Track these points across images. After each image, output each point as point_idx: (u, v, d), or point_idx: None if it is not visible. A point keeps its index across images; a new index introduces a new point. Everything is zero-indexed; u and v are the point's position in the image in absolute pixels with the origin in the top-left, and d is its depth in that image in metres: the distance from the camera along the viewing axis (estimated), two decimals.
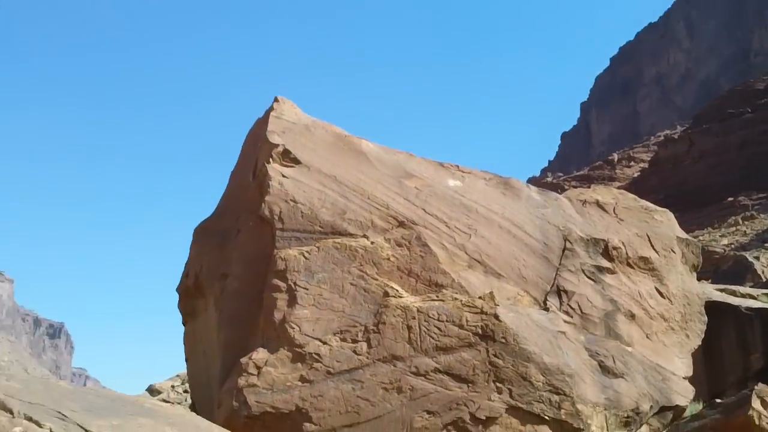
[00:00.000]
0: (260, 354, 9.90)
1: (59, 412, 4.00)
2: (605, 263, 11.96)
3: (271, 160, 10.84)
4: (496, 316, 9.80)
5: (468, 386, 9.61)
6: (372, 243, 10.34)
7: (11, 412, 3.81)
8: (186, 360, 14.81)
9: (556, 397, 9.79)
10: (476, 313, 9.82)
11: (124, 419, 4.35)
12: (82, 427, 3.90)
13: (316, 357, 9.76)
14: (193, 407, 13.14)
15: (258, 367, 9.85)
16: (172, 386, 24.54)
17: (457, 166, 12.17)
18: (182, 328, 14.45)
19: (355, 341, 9.88)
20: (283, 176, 10.88)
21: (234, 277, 11.16)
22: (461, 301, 9.84)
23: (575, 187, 41.43)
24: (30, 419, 3.79)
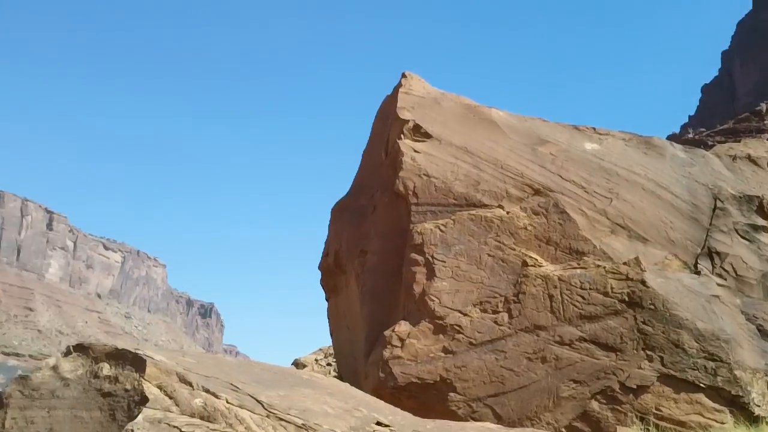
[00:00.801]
0: (403, 327, 10.09)
1: (232, 385, 4.29)
2: (760, 221, 11.18)
3: (402, 136, 10.92)
4: (644, 282, 9.43)
5: (616, 355, 9.34)
6: (508, 213, 10.22)
7: (191, 385, 4.14)
8: (330, 334, 15.39)
9: (711, 364, 9.31)
10: (621, 279, 9.49)
11: (289, 390, 4.60)
12: (253, 398, 4.16)
13: (458, 328, 9.81)
14: (339, 379, 13.63)
15: (401, 340, 10.05)
16: (316, 360, 25.45)
17: (594, 128, 11.73)
18: (324, 304, 14.99)
19: (495, 312, 9.84)
20: (416, 151, 10.94)
21: (372, 252, 11.40)
22: (605, 267, 9.53)
23: (720, 142, 38.85)
24: (208, 391, 4.10)
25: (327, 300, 15.20)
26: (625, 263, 9.68)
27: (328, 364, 23.16)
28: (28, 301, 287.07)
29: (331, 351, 26.69)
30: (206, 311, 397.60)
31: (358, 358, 11.89)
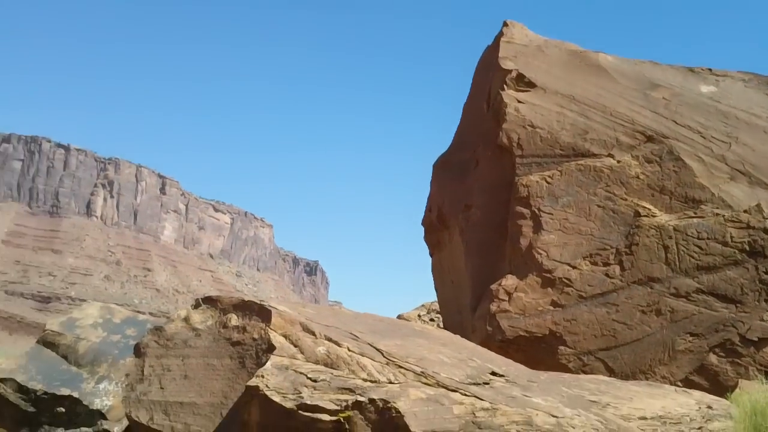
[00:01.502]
0: (509, 281, 10.03)
1: (351, 334, 4.44)
2: None
3: (505, 86, 10.70)
4: (766, 230, 8.93)
5: (736, 306, 8.94)
6: (618, 162, 9.87)
7: (314, 334, 4.31)
8: (435, 289, 15.51)
9: None
10: (742, 228, 9.02)
11: (405, 340, 4.70)
12: (372, 346, 4.29)
13: (567, 282, 9.66)
14: None
15: (508, 293, 10.00)
16: (419, 315, 25.75)
17: (710, 70, 11.07)
18: (428, 260, 15.08)
19: (606, 264, 9.60)
20: (519, 102, 10.70)
21: (476, 207, 11.33)
22: (724, 216, 9.08)
23: None
24: (330, 340, 4.26)
25: (431, 255, 15.28)
26: (745, 211, 9.19)
27: (431, 320, 23.39)
28: (146, 262, 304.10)
29: (434, 307, 26.94)
30: (312, 269, 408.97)
31: (463, 313, 11.95)
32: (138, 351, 5.04)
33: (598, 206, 9.85)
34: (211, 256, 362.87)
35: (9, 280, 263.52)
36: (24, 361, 6.98)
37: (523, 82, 10.72)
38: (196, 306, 5.00)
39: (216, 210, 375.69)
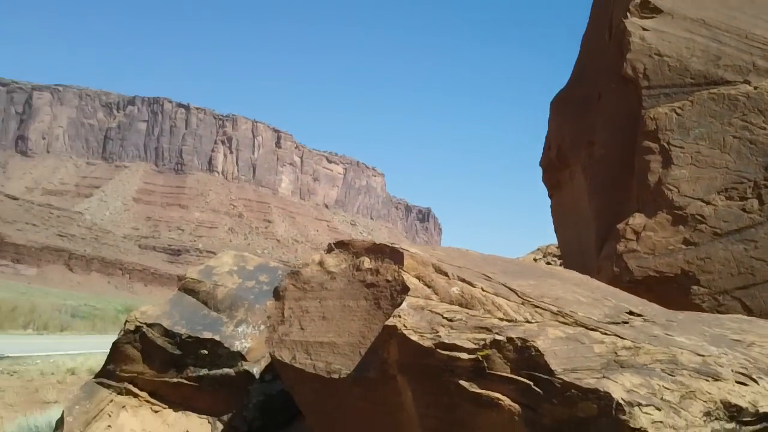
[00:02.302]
0: (637, 219, 9.64)
1: (483, 274, 4.42)
2: None
3: (628, 13, 10.09)
4: None
5: None
6: (756, 88, 9.16)
7: (446, 275, 4.32)
8: (555, 231, 15.19)
9: None
10: None
11: (537, 280, 4.63)
12: (506, 286, 4.26)
13: (700, 218, 9.16)
14: None
15: (636, 232, 9.63)
16: (534, 259, 25.51)
17: None
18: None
19: (743, 199, 9.02)
20: (644, 29, 10.08)
21: (600, 143, 10.90)
22: None
23: None
24: (463, 280, 4.26)
25: (550, 197, 14.93)
26: None
27: (548, 263, 23.09)
28: (266, 214, 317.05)
29: (550, 250, 26.52)
30: (424, 216, 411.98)
31: (587, 254, 11.65)
32: (277, 294, 5.25)
33: (734, 137, 9.22)
34: (327, 206, 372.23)
35: (141, 235, 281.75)
36: (168, 308, 7.45)
37: (648, 8, 10.07)
38: (329, 250, 5.12)
39: (329, 161, 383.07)
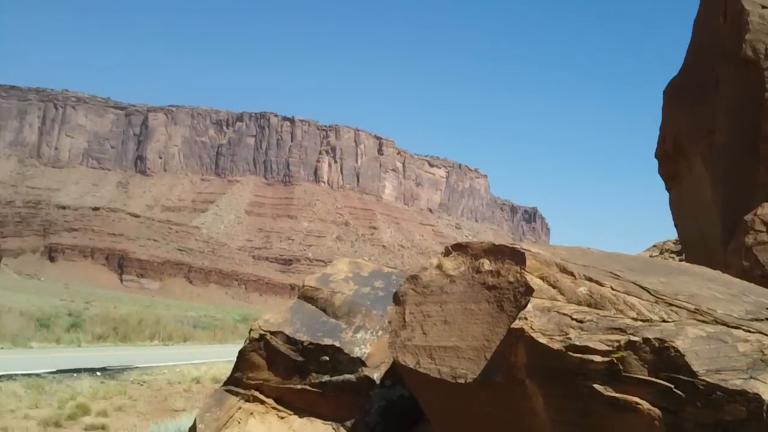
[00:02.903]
0: (766, 209, 9.08)
1: (611, 273, 4.26)
2: None
3: None
4: None
5: None
6: None
7: (572, 274, 4.20)
8: (675, 226, 14.52)
9: None
10: None
11: (668, 276, 4.42)
12: (636, 284, 4.08)
13: None
14: None
15: (765, 223, 9.07)
16: (650, 256, 24.52)
17: None
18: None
19: None
20: (763, 7, 9.51)
21: (720, 131, 10.34)
22: None
23: None
24: (590, 279, 4.12)
25: (668, 190, 14.30)
26: None
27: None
28: (372, 221, 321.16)
29: (667, 246, 25.35)
30: (530, 216, 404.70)
31: (711, 249, 11.06)
32: (397, 299, 5.27)
33: None
34: (431, 211, 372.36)
35: (255, 246, 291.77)
36: (289, 315, 7.65)
37: None
38: (447, 253, 5.10)
39: (431, 165, 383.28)
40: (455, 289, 4.77)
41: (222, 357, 29.29)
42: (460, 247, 5.00)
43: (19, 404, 13.99)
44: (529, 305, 4.08)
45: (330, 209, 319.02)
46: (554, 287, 4.15)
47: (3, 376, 17.42)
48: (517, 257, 4.43)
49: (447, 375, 4.58)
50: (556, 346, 3.77)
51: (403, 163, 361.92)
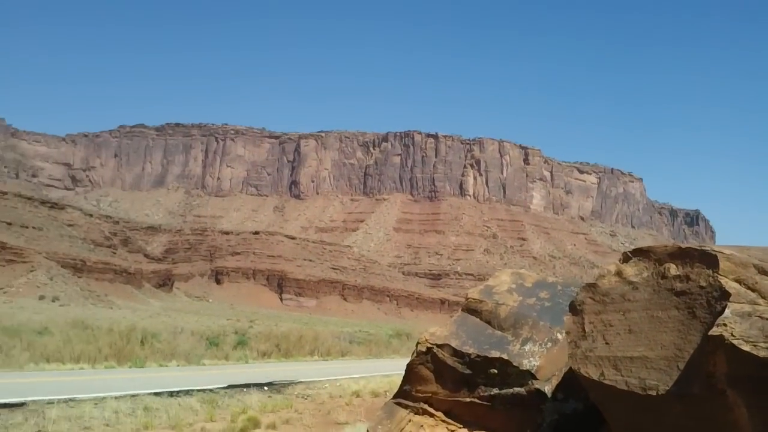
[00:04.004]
0: None
1: None
2: None
3: None
4: None
5: None
6: None
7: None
8: None
9: None
10: None
11: None
12: None
13: None
14: None
15: None
16: None
17: None
18: None
19: None
20: None
21: None
22: None
23: None
24: None
25: None
26: None
27: None
28: (520, 232, 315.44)
29: None
30: (692, 219, 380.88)
31: None
32: (574, 309, 5.09)
33: None
34: (582, 219, 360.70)
35: (404, 262, 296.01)
36: (454, 328, 7.62)
37: None
38: (626, 259, 4.85)
39: (581, 171, 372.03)
40: (639, 296, 4.51)
41: (379, 371, 29.79)
42: (640, 252, 4.73)
43: (196, 418, 14.91)
44: (727, 310, 3.77)
45: (477, 222, 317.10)
46: (753, 290, 3.82)
47: (181, 391, 18.66)
48: (709, 260, 4.11)
49: (635, 387, 4.34)
50: (762, 353, 3.45)
51: (551, 172, 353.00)
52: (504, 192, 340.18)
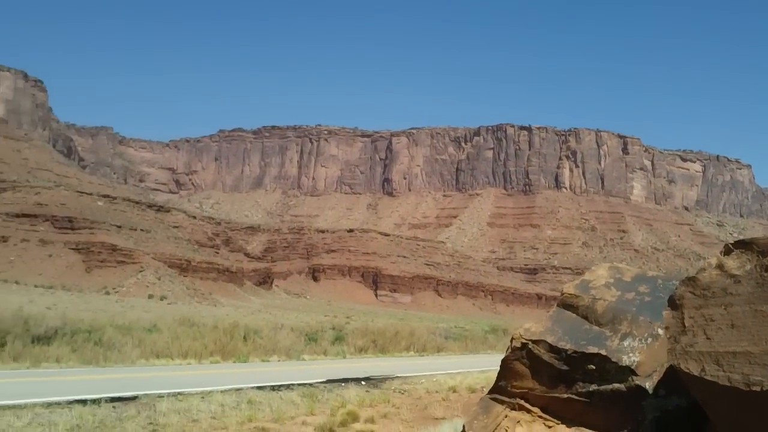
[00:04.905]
0: None
1: None
2: None
3: None
4: None
5: None
6: None
7: None
8: None
9: None
10: None
11: None
12: None
13: None
14: None
15: None
16: None
17: None
18: None
19: None
20: None
21: None
22: None
23: None
24: None
25: None
26: None
27: None
28: (620, 224, 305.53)
29: None
30: None
31: None
32: (673, 303, 4.96)
33: None
34: (687, 209, 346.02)
35: (498, 258, 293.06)
36: (550, 324, 7.55)
37: None
38: (728, 252, 4.68)
39: (684, 160, 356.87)
40: (741, 290, 4.35)
41: (475, 367, 29.66)
42: (743, 244, 4.55)
43: (297, 411, 15.36)
44: None
45: (574, 215, 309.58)
46: None
47: (282, 385, 19.26)
48: None
49: (738, 383, 4.18)
50: None
51: (652, 161, 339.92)
52: (602, 183, 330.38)
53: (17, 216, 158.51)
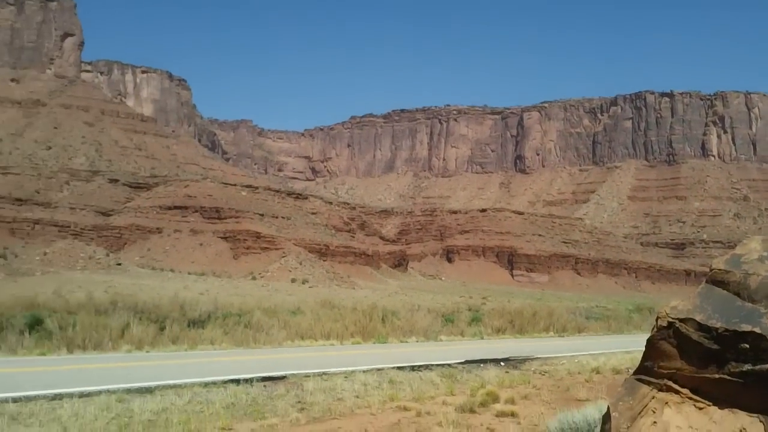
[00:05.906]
0: None
1: None
2: None
3: None
4: None
5: None
6: None
7: None
8: None
9: None
10: None
11: None
12: None
13: None
14: None
15: None
16: None
17: None
18: None
19: None
20: None
21: None
22: None
23: None
24: None
25: None
26: None
27: None
28: None
29: None
30: None
31: None
32: None
33: None
34: None
35: (642, 233, 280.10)
36: (698, 301, 7.17)
37: None
38: None
39: None
40: None
41: (619, 348, 28.65)
42: None
43: (437, 391, 15.55)
44: None
45: (724, 185, 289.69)
46: None
47: (421, 366, 19.55)
48: None
49: None
50: None
51: None
52: (754, 149, 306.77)
53: (170, 208, 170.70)
